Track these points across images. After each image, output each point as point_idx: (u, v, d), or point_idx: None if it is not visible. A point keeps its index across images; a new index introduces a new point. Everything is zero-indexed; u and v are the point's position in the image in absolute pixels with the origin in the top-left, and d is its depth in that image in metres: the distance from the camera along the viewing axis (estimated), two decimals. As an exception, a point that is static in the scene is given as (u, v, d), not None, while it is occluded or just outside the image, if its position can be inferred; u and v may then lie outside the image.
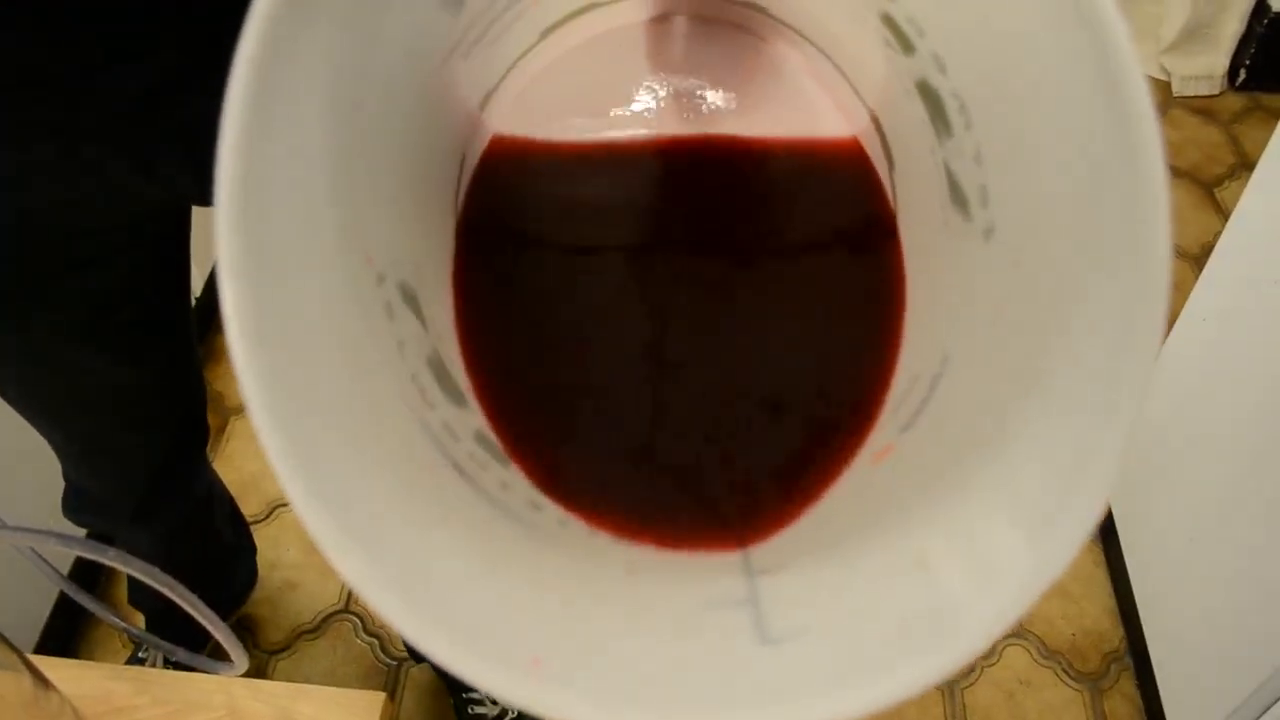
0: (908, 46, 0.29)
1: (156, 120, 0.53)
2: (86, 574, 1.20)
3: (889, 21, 0.29)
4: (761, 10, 0.35)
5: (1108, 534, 1.25)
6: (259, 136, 0.20)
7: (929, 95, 0.28)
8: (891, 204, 0.34)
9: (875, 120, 0.34)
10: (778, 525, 0.29)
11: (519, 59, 0.35)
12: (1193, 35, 1.84)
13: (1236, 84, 1.89)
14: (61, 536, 0.44)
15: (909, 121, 0.30)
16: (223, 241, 0.19)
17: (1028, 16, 0.22)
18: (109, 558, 0.43)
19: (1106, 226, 0.21)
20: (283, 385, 0.20)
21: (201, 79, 0.51)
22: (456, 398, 0.30)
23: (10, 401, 0.72)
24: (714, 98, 0.36)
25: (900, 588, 0.23)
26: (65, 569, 1.13)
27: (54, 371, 0.70)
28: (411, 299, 0.29)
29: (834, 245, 0.35)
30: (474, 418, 0.31)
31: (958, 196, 0.28)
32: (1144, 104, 0.19)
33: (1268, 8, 1.79)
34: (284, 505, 1.30)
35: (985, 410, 0.25)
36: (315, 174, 0.23)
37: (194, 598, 0.44)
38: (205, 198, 0.61)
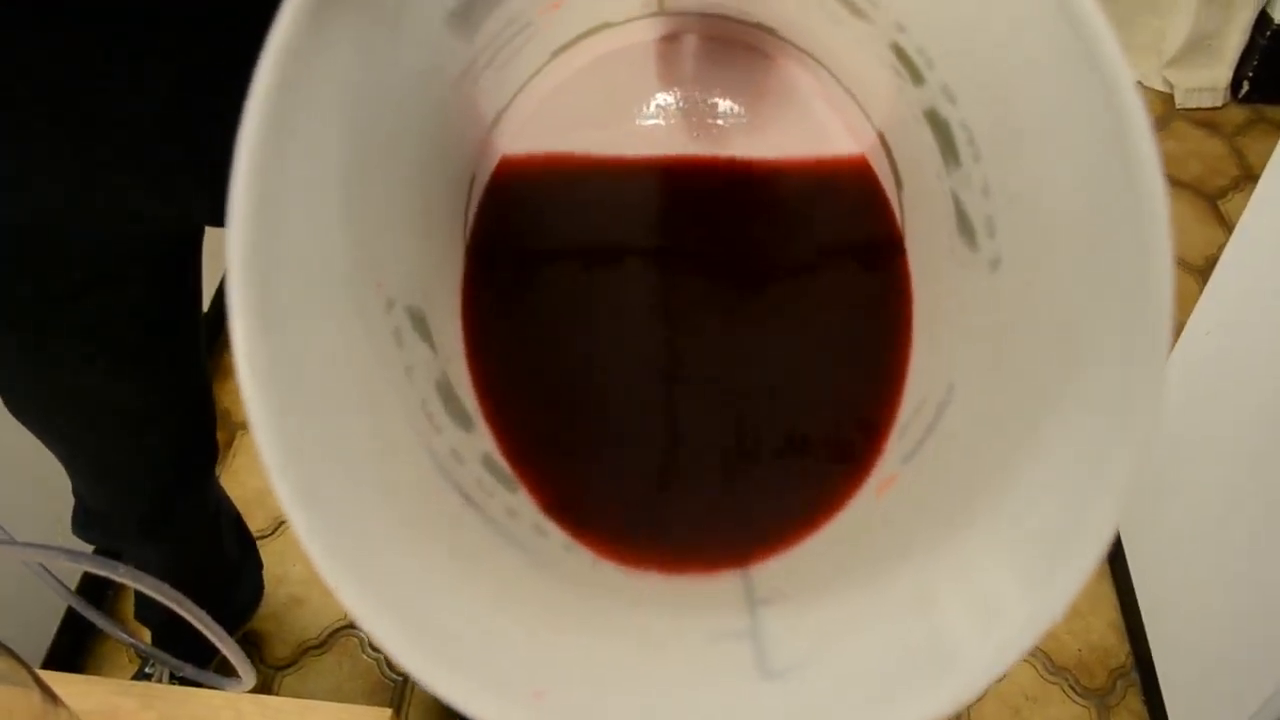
0: (917, 77, 0.29)
1: (160, 133, 0.53)
2: (94, 590, 1.20)
3: (898, 51, 0.29)
4: (771, 32, 0.35)
5: (1113, 549, 1.25)
6: (274, 161, 0.20)
7: (938, 125, 0.29)
8: (899, 224, 0.34)
9: (884, 142, 0.34)
10: (781, 551, 0.29)
11: (529, 79, 0.35)
12: (1195, 48, 1.84)
13: (1239, 96, 1.89)
14: (70, 552, 0.44)
15: (918, 146, 0.30)
16: (235, 272, 0.20)
17: (1035, 51, 0.22)
18: (119, 574, 0.43)
19: (1110, 263, 0.21)
20: (290, 419, 0.20)
21: (208, 93, 0.51)
22: (464, 422, 0.30)
23: (13, 413, 0.72)
24: (723, 116, 0.36)
25: (901, 623, 0.23)
26: (73, 585, 1.13)
27: (55, 385, 0.70)
28: (420, 322, 0.29)
29: (842, 265, 0.35)
30: (482, 441, 0.31)
31: (965, 226, 0.28)
32: (1145, 141, 0.19)
33: (1270, 20, 1.79)
34: (289, 519, 1.30)
35: (990, 443, 0.25)
36: (328, 197, 0.23)
37: (202, 613, 0.44)
38: (211, 214, 0.61)
